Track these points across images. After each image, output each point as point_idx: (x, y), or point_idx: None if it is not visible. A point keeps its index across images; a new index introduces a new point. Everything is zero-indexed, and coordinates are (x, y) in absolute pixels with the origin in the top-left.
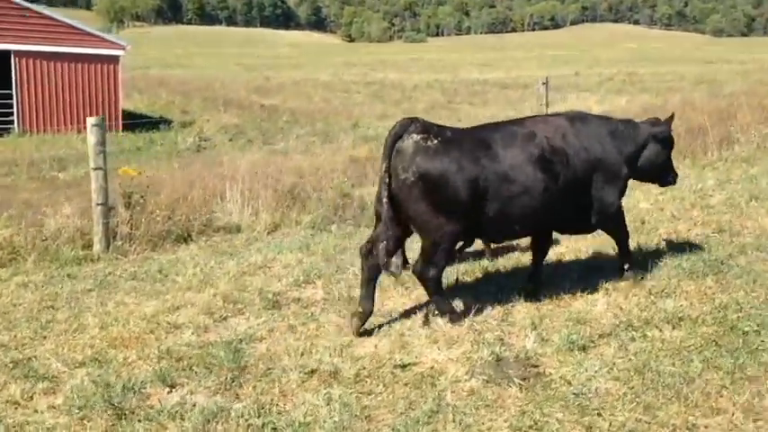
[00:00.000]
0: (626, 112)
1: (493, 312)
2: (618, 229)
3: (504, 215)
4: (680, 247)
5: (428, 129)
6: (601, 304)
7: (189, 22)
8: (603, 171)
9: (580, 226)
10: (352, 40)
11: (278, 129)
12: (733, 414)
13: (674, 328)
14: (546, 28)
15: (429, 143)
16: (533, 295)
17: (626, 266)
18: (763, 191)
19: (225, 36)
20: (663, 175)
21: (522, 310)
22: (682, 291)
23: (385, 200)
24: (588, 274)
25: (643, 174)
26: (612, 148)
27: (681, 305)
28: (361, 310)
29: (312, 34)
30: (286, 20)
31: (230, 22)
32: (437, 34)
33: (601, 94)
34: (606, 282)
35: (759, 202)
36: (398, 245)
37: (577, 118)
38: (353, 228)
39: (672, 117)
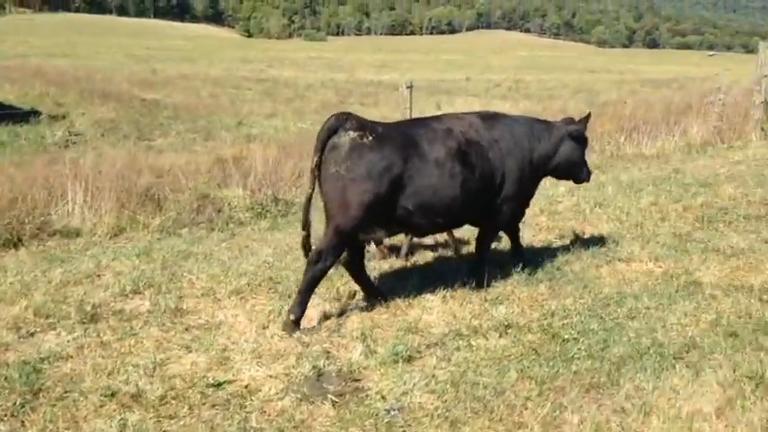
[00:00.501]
0: None
1: (327, 322)
2: (497, 226)
3: (428, 208)
4: (521, 252)
5: (363, 125)
6: (436, 312)
7: (77, 10)
8: (514, 165)
9: (493, 219)
10: (250, 36)
11: (157, 124)
12: (532, 429)
13: (500, 336)
14: (443, 32)
15: (365, 140)
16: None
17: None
18: (607, 198)
19: (115, 26)
20: (577, 171)
21: (355, 319)
22: (515, 297)
23: (310, 193)
24: (426, 282)
25: (559, 170)
26: (525, 144)
27: (512, 312)
28: (293, 317)
29: (209, 28)
30: (181, 12)
31: (122, 11)
32: (337, 33)
33: (487, 100)
34: (445, 288)
35: (602, 208)
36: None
37: (489, 115)
38: (206, 231)
39: (588, 117)
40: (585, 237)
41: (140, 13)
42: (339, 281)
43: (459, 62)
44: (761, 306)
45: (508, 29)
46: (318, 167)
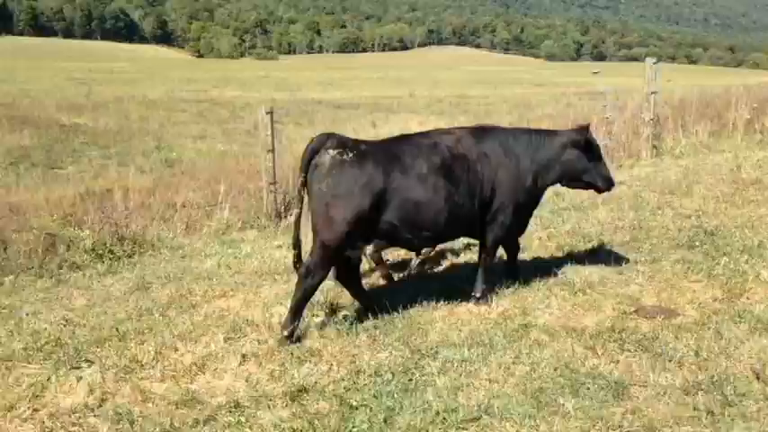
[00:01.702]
0: None
1: None
2: (496, 241)
3: (413, 222)
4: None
5: (344, 143)
6: (228, 375)
7: (21, 33)
8: (506, 178)
9: (488, 232)
10: (201, 56)
11: (70, 151)
12: None
13: (286, 405)
14: (395, 49)
15: (344, 157)
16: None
17: (477, 293)
18: None
19: (60, 49)
20: (589, 180)
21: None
22: (328, 352)
23: (298, 211)
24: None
25: (566, 180)
26: (519, 156)
27: (316, 371)
28: (285, 333)
29: (159, 49)
30: (130, 33)
31: (67, 34)
32: (289, 52)
33: (425, 116)
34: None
35: None
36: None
37: (480, 128)
38: (34, 278)
39: (587, 125)
40: (433, 271)
41: (87, 36)
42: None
43: (407, 78)
44: (584, 354)
45: (459, 44)
46: (304, 186)
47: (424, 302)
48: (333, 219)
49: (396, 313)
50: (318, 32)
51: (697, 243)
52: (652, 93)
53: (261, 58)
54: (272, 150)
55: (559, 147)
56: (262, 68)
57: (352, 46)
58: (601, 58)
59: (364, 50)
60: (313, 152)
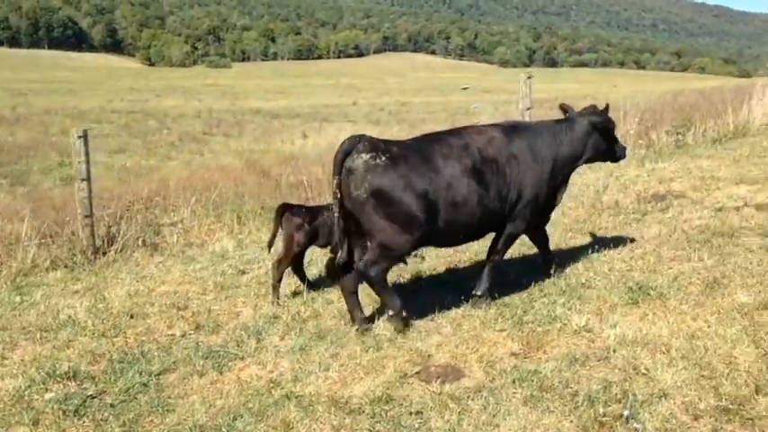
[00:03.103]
0: None
1: None
2: (510, 240)
3: (450, 222)
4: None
5: (376, 146)
6: None
7: None
8: (533, 179)
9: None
10: (152, 64)
11: None
12: None
13: None
14: (350, 56)
15: (378, 161)
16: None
17: (478, 291)
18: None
19: (5, 58)
20: (609, 155)
21: None
22: None
23: (337, 215)
24: None
25: (592, 160)
26: (546, 153)
27: None
28: (358, 323)
29: (109, 57)
30: (78, 42)
31: (14, 43)
32: (243, 59)
33: (362, 125)
34: None
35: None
36: (353, 256)
37: (510, 127)
38: None
39: (607, 107)
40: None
41: (34, 44)
42: None
43: (358, 86)
44: None
45: (414, 51)
46: (339, 189)
47: (209, 363)
48: (385, 224)
49: (163, 380)
50: (273, 39)
51: (523, 282)
52: (527, 109)
53: (213, 66)
54: (87, 179)
55: (582, 133)
56: (211, 76)
57: (307, 53)
58: (552, 63)
59: (320, 57)
60: (345, 155)
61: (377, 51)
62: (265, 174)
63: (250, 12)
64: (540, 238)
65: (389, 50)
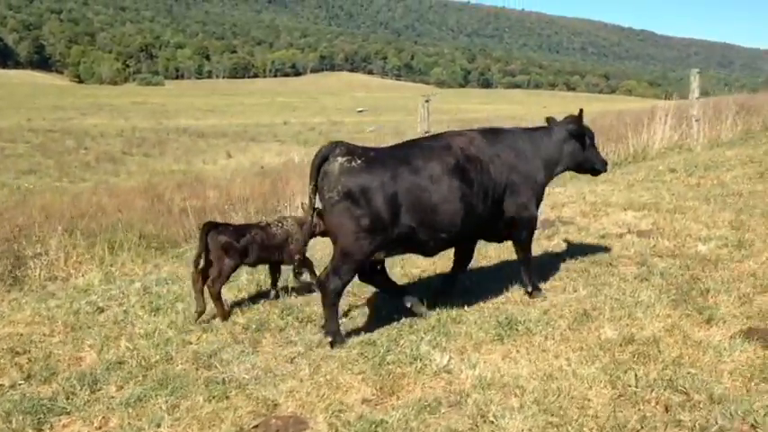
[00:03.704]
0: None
1: None
2: (524, 237)
3: (430, 224)
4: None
5: (352, 151)
6: None
7: None
8: (517, 176)
9: (498, 232)
10: (81, 82)
11: None
12: None
13: None
14: (287, 75)
15: (353, 164)
16: (446, 297)
17: (528, 287)
18: None
19: None
20: (588, 166)
21: None
22: None
23: (311, 218)
24: None
25: (570, 168)
26: (527, 154)
27: None
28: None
29: (35, 74)
30: (3, 58)
31: None
32: (176, 77)
33: (289, 145)
34: None
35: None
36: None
37: (490, 130)
38: None
39: (581, 112)
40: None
41: None
42: None
43: (293, 105)
44: None
45: (351, 70)
46: (315, 194)
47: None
48: (350, 227)
49: None
50: (208, 57)
51: (395, 316)
52: (425, 132)
53: (145, 84)
54: None
55: (560, 140)
56: (142, 94)
57: (243, 71)
58: (487, 84)
59: (256, 76)
60: (322, 160)
61: (314, 70)
62: (159, 198)
63: (184, 29)
64: (466, 253)
65: (327, 70)
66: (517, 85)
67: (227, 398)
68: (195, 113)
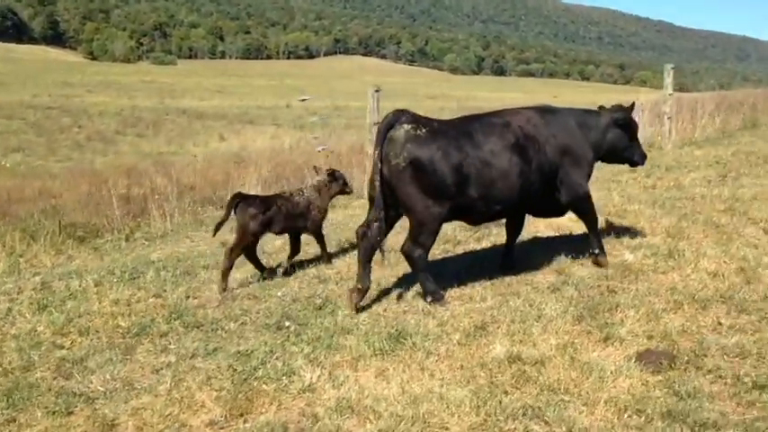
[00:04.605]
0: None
1: None
2: (587, 210)
3: (486, 197)
4: None
5: (417, 119)
6: None
7: None
8: (571, 156)
9: (551, 208)
10: (94, 58)
11: None
12: None
13: None
14: (301, 57)
15: (419, 132)
16: (509, 269)
17: (595, 250)
18: None
19: None
20: (628, 156)
21: None
22: None
23: (377, 183)
24: None
25: (609, 157)
26: (579, 135)
27: None
28: (360, 286)
29: (48, 50)
30: (18, 33)
31: None
32: (190, 57)
33: (285, 129)
34: None
35: None
36: (390, 226)
37: (546, 109)
38: None
39: (632, 105)
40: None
41: None
42: None
43: (301, 87)
44: None
45: (365, 54)
46: (381, 159)
47: None
48: (417, 195)
49: None
50: (221, 38)
51: (286, 324)
52: (375, 124)
53: (158, 63)
54: None
55: (605, 126)
56: (152, 73)
57: (256, 52)
58: (501, 72)
59: (269, 57)
60: (388, 126)
61: (327, 53)
62: (105, 183)
63: (198, 9)
64: (518, 226)
65: (340, 53)
66: (531, 74)
67: (70, 413)
68: (202, 93)
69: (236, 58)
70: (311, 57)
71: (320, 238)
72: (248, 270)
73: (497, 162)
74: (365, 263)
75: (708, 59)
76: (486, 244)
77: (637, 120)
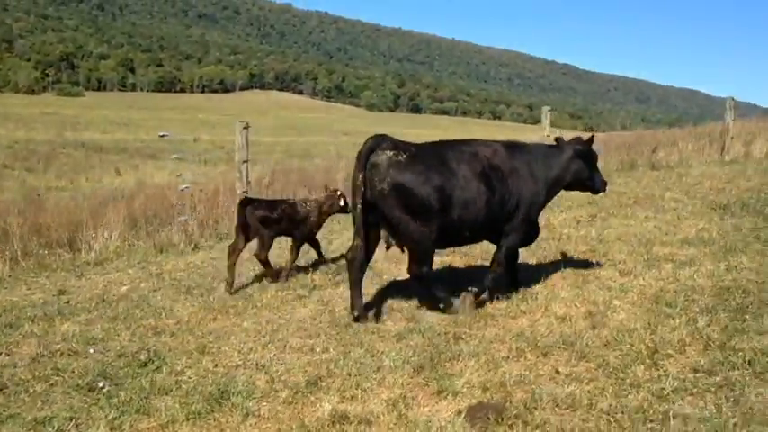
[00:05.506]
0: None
1: None
2: (516, 244)
3: (459, 222)
4: None
5: (397, 145)
6: None
7: None
8: (528, 193)
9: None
10: None
11: None
12: None
13: None
14: (216, 91)
15: (400, 158)
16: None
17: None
18: None
19: None
20: (590, 185)
21: None
22: None
23: (359, 207)
24: None
25: (573, 186)
26: (540, 172)
27: None
28: (356, 313)
29: None
30: None
31: None
32: (99, 89)
33: (187, 164)
34: None
35: None
36: (372, 249)
37: (512, 144)
38: None
39: (592, 137)
40: None
41: None
42: None
43: (213, 122)
44: None
45: (281, 90)
46: (363, 184)
47: None
48: (405, 217)
49: None
50: (132, 70)
51: (99, 385)
52: (244, 162)
53: (64, 95)
54: None
55: (567, 158)
56: (56, 105)
57: (169, 85)
58: (416, 110)
59: (182, 91)
60: (369, 151)
61: (243, 88)
62: None
63: (108, 40)
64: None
65: (256, 88)
66: (445, 112)
67: None
68: (107, 127)
69: (148, 90)
70: (226, 91)
71: (314, 244)
72: (76, 322)
73: (468, 187)
74: (355, 287)
75: (610, 101)
76: (341, 289)
77: None
